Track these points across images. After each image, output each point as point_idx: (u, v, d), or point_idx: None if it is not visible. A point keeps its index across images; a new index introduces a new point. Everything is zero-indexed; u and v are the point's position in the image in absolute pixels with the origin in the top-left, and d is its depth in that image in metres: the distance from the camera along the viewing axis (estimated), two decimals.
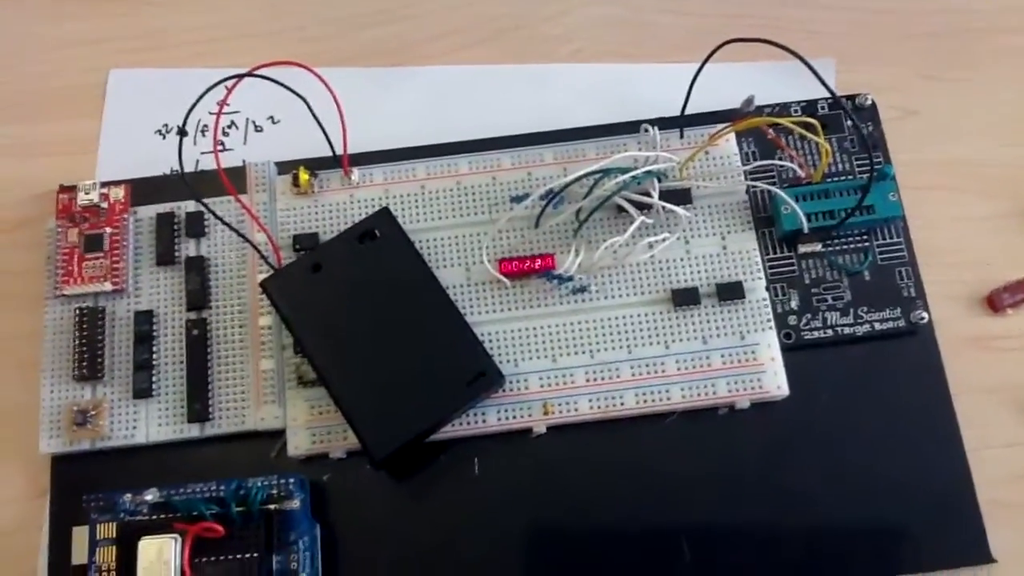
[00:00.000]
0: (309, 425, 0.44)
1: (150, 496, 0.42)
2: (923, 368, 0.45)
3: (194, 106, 0.43)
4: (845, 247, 0.47)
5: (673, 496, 0.44)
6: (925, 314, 0.45)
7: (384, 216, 0.44)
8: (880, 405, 0.45)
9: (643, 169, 0.44)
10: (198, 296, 0.46)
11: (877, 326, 0.45)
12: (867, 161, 0.48)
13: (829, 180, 0.47)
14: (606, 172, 0.44)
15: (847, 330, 0.45)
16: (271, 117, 0.52)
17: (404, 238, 0.44)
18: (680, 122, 0.47)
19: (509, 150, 0.48)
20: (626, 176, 0.44)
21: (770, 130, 0.47)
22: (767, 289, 0.46)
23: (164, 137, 0.52)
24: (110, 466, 0.45)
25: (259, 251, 0.45)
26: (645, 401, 0.44)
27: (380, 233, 0.44)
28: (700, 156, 0.47)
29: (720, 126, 0.47)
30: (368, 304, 0.43)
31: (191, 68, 0.53)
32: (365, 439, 0.41)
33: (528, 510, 0.44)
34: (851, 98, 0.49)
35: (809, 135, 0.44)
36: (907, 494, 0.44)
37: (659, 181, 0.45)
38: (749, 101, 0.48)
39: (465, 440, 0.44)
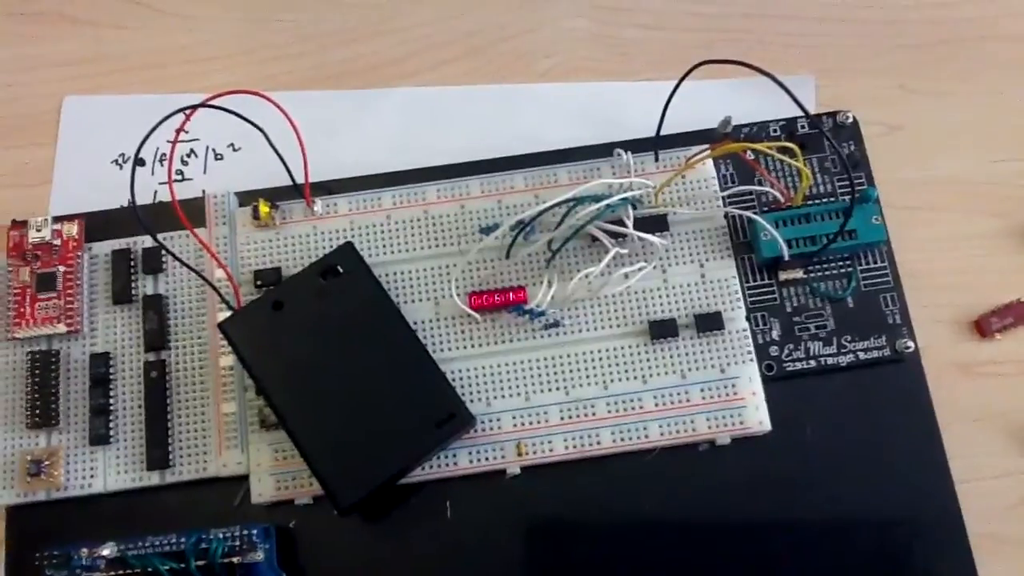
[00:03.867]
0: (273, 470, 0.42)
1: (107, 551, 0.40)
2: (909, 397, 0.44)
3: (147, 137, 0.41)
4: (828, 273, 0.45)
5: (653, 536, 0.42)
6: (911, 343, 0.44)
7: (347, 251, 0.43)
8: (865, 437, 0.43)
9: (617, 197, 0.42)
10: (156, 336, 0.44)
11: (862, 355, 0.44)
12: (849, 182, 0.46)
13: (810, 203, 0.45)
14: (578, 200, 0.43)
15: (831, 360, 0.44)
16: (231, 144, 0.50)
17: (368, 274, 0.42)
18: (655, 144, 0.46)
19: (478, 176, 0.46)
20: (599, 205, 0.42)
21: (748, 153, 0.45)
22: (747, 319, 0.44)
23: (120, 167, 0.50)
24: (67, 517, 0.43)
25: (218, 291, 0.43)
26: (623, 439, 0.42)
27: (344, 269, 0.42)
28: (676, 180, 0.45)
29: (696, 149, 0.45)
30: (332, 344, 0.41)
31: (149, 94, 0.51)
32: (329, 487, 0.40)
33: (504, 554, 0.42)
34: (832, 115, 0.47)
35: (788, 160, 0.42)
36: (895, 528, 0.42)
37: (634, 208, 0.43)
38: (726, 122, 0.46)
39: (437, 482, 0.42)
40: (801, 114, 0.47)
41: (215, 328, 0.44)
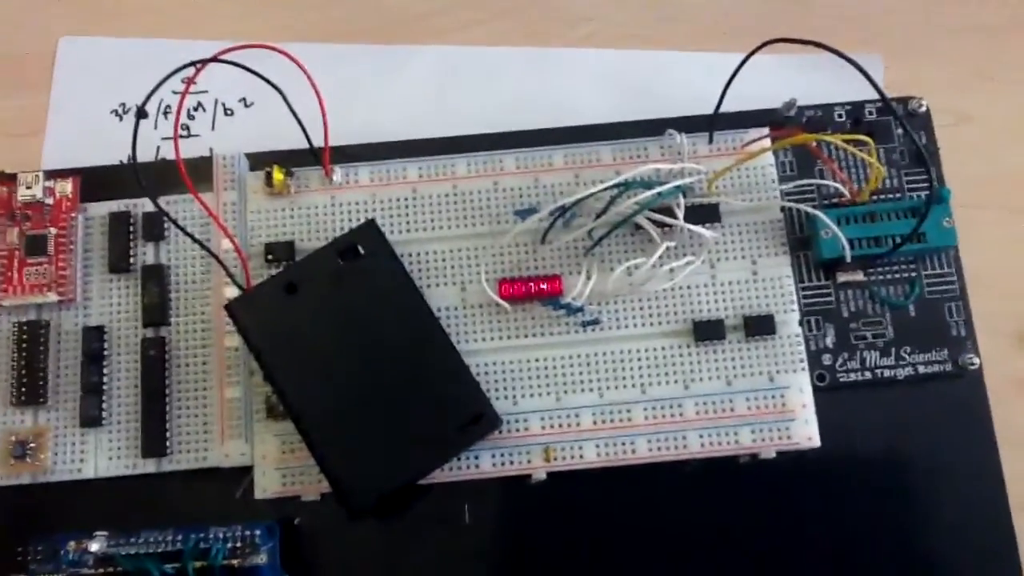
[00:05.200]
0: (280, 464, 0.39)
1: (96, 545, 0.37)
2: (968, 416, 0.41)
3: (154, 91, 0.37)
4: (889, 277, 0.42)
5: (687, 553, 0.40)
6: (976, 358, 0.40)
7: (370, 230, 0.39)
8: (919, 456, 0.40)
9: (670, 185, 0.38)
10: (156, 311, 0.41)
11: (921, 369, 0.41)
12: (919, 176, 0.42)
13: (875, 200, 0.41)
14: (627, 185, 0.39)
15: (887, 372, 0.41)
16: (243, 99, 0.46)
17: (392, 256, 0.39)
18: (710, 124, 0.41)
19: (514, 151, 0.42)
20: (650, 193, 0.38)
21: (817, 148, 0.41)
22: (800, 324, 0.40)
23: (121, 118, 0.46)
24: (53, 503, 0.40)
25: (224, 266, 0.39)
26: (659, 449, 0.39)
27: (365, 249, 0.38)
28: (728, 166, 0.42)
29: (753, 132, 0.42)
30: (349, 332, 0.38)
31: (154, 38, 0.47)
32: (341, 489, 0.36)
33: (523, 563, 0.40)
34: (903, 101, 0.43)
35: (860, 154, 0.38)
36: (946, 554, 0.40)
37: (683, 196, 0.40)
38: (790, 104, 0.42)
39: (455, 484, 0.39)
40: (868, 98, 0.43)
41: (221, 304, 0.40)
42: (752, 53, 0.38)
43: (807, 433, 0.39)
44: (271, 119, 0.43)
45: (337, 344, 0.37)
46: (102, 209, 0.42)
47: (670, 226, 0.40)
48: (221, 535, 0.37)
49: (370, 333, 0.38)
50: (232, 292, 0.39)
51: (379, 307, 0.38)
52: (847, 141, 0.38)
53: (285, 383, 0.37)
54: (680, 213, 0.39)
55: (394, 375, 0.37)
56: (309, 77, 0.39)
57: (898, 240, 0.39)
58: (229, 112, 0.46)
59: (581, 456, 0.39)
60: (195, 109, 0.46)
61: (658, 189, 0.38)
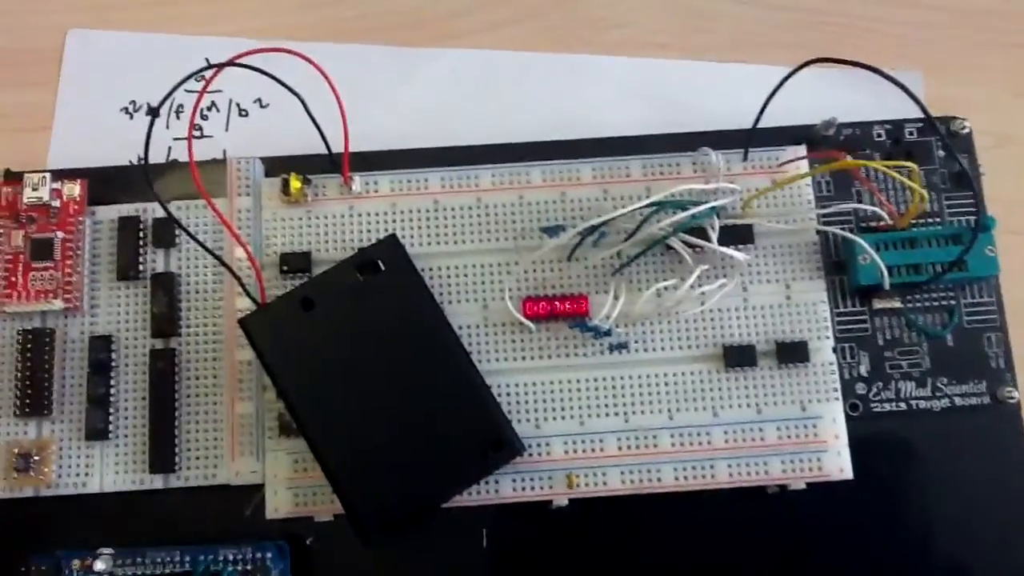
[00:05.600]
0: (292, 484, 0.38)
1: (101, 565, 0.36)
2: (1005, 450, 0.39)
3: (171, 93, 0.36)
4: (927, 304, 0.40)
5: None
6: (1016, 392, 0.39)
7: (391, 245, 0.37)
8: (953, 491, 0.39)
9: (705, 206, 0.37)
10: (166, 321, 0.39)
11: (958, 401, 0.39)
12: (960, 200, 0.41)
13: (914, 224, 0.40)
14: (660, 205, 0.37)
15: (922, 404, 0.39)
16: (259, 100, 0.44)
17: (413, 273, 0.37)
18: (746, 141, 0.40)
19: (540, 163, 0.41)
20: (684, 214, 0.37)
21: (860, 172, 0.39)
22: (834, 351, 0.39)
23: (131, 116, 0.44)
24: (56, 518, 0.38)
25: (237, 277, 0.37)
26: (686, 477, 0.38)
27: (385, 265, 0.37)
28: (763, 185, 0.40)
29: (791, 152, 0.40)
30: (367, 352, 0.36)
31: (166, 33, 0.45)
32: (357, 518, 0.35)
33: None
34: (944, 122, 0.42)
35: (906, 181, 0.37)
36: None
37: (717, 216, 0.38)
38: (829, 124, 0.40)
39: (474, 508, 0.38)
40: (908, 116, 0.42)
41: (233, 315, 0.39)
42: (794, 72, 0.37)
43: (839, 465, 0.38)
44: (287, 121, 0.42)
45: (355, 364, 0.36)
46: (111, 213, 0.40)
47: (702, 247, 0.38)
48: (231, 556, 0.36)
49: (389, 353, 0.36)
50: (245, 303, 0.38)
51: (399, 326, 0.36)
52: (892, 167, 0.36)
53: (300, 404, 0.36)
54: (714, 235, 0.38)
55: (413, 398, 0.36)
56: (331, 83, 0.37)
57: (940, 269, 0.38)
58: (244, 113, 0.44)
59: (605, 483, 0.38)
60: (208, 109, 0.44)
61: (693, 211, 0.37)
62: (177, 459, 0.38)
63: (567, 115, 0.44)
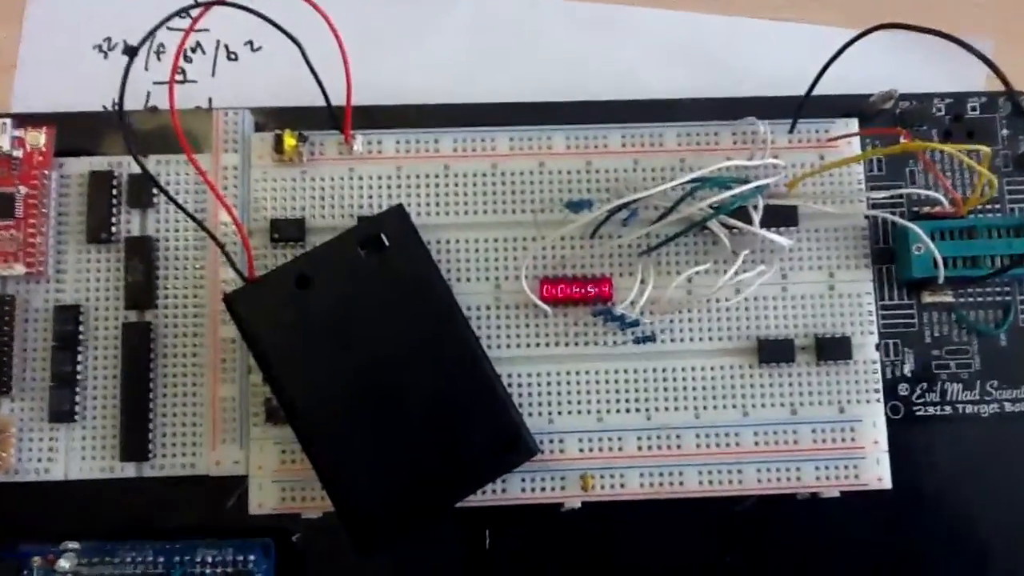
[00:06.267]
0: (278, 476, 0.34)
1: (67, 563, 0.32)
2: None
3: (152, 33, 0.32)
4: (980, 300, 0.37)
5: None
6: None
7: (397, 217, 0.33)
8: (999, 504, 0.36)
9: (750, 186, 0.33)
10: (141, 291, 0.35)
11: (1008, 407, 0.36)
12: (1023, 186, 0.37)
13: (972, 213, 0.36)
14: (701, 182, 0.33)
15: (970, 409, 0.36)
16: (250, 42, 0.40)
17: (421, 249, 0.33)
18: (796, 112, 0.36)
19: (564, 127, 0.36)
20: (727, 194, 0.33)
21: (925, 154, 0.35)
22: (877, 348, 0.35)
23: (106, 56, 0.39)
24: (16, 507, 0.35)
25: (222, 246, 0.33)
26: (711, 483, 0.35)
27: (390, 240, 0.33)
28: (808, 163, 0.36)
29: (842, 125, 0.36)
30: (368, 337, 0.32)
31: None
32: (351, 523, 0.32)
33: None
34: (1012, 97, 0.38)
35: (976, 166, 0.33)
36: None
37: (761, 197, 0.34)
38: (887, 96, 0.36)
39: (476, 507, 0.34)
40: (972, 91, 0.38)
41: (217, 287, 0.35)
42: (860, 36, 0.33)
43: (877, 473, 0.35)
44: (282, 67, 0.38)
45: (354, 350, 0.32)
46: (81, 166, 0.36)
47: (741, 231, 0.34)
48: (209, 558, 0.33)
49: (392, 339, 0.32)
50: (231, 274, 0.34)
51: (404, 309, 0.32)
52: (963, 151, 0.32)
53: (291, 394, 0.32)
54: (757, 217, 0.34)
55: (418, 389, 0.32)
56: (332, 27, 0.33)
57: (1001, 263, 0.34)
58: (233, 56, 0.39)
59: (622, 485, 0.35)
60: (193, 50, 0.39)
61: (737, 190, 0.33)
62: (151, 446, 0.35)
63: (597, 73, 0.40)
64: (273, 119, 0.37)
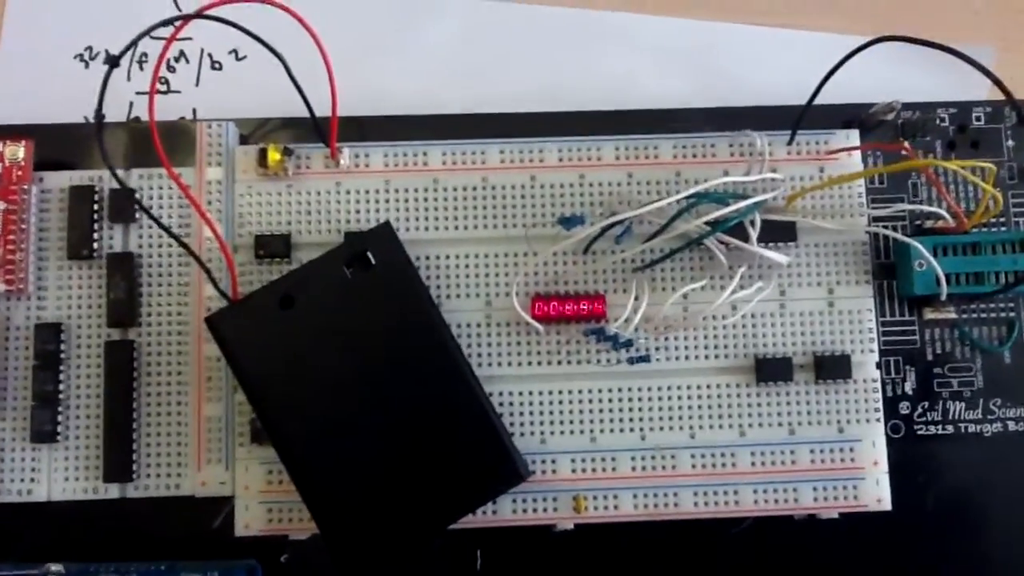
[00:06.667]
0: (265, 497, 0.34)
1: None
2: None
3: (135, 43, 0.31)
4: (984, 316, 0.36)
5: None
6: None
7: (383, 235, 0.32)
8: (1003, 525, 0.35)
9: (748, 202, 0.32)
10: (124, 309, 0.34)
11: (1011, 426, 0.35)
12: None
13: (977, 228, 0.35)
14: (697, 198, 0.32)
15: (972, 428, 0.35)
16: (234, 51, 0.39)
17: (409, 268, 0.32)
18: (795, 123, 0.35)
19: (556, 140, 0.35)
20: (725, 211, 0.32)
21: (929, 169, 0.34)
22: (878, 366, 0.35)
23: (87, 65, 0.38)
24: (0, 527, 0.34)
25: (205, 268, 0.32)
26: (707, 504, 0.34)
27: (376, 258, 0.32)
28: (807, 176, 0.35)
29: (842, 137, 0.35)
30: (353, 359, 0.32)
31: None
32: (334, 547, 0.31)
33: None
34: (1016, 107, 0.37)
35: (981, 184, 0.32)
36: None
37: (758, 213, 0.33)
38: (889, 108, 0.35)
39: (467, 529, 0.34)
40: (977, 100, 0.37)
41: (201, 304, 0.34)
42: (861, 48, 0.32)
43: (877, 495, 0.34)
44: (268, 76, 0.36)
45: (338, 372, 0.31)
46: (61, 180, 0.35)
47: (739, 248, 0.33)
48: None
49: (379, 360, 0.32)
50: (215, 297, 0.33)
51: (391, 330, 0.32)
52: (968, 167, 0.31)
53: (275, 417, 0.31)
54: (754, 233, 0.33)
55: (404, 412, 0.31)
56: (315, 37, 0.32)
57: (1006, 279, 0.33)
58: (217, 65, 0.38)
59: (616, 507, 0.34)
60: (176, 60, 0.38)
61: (734, 206, 0.32)
62: (135, 466, 0.34)
63: (589, 82, 0.39)
64: (257, 130, 0.36)
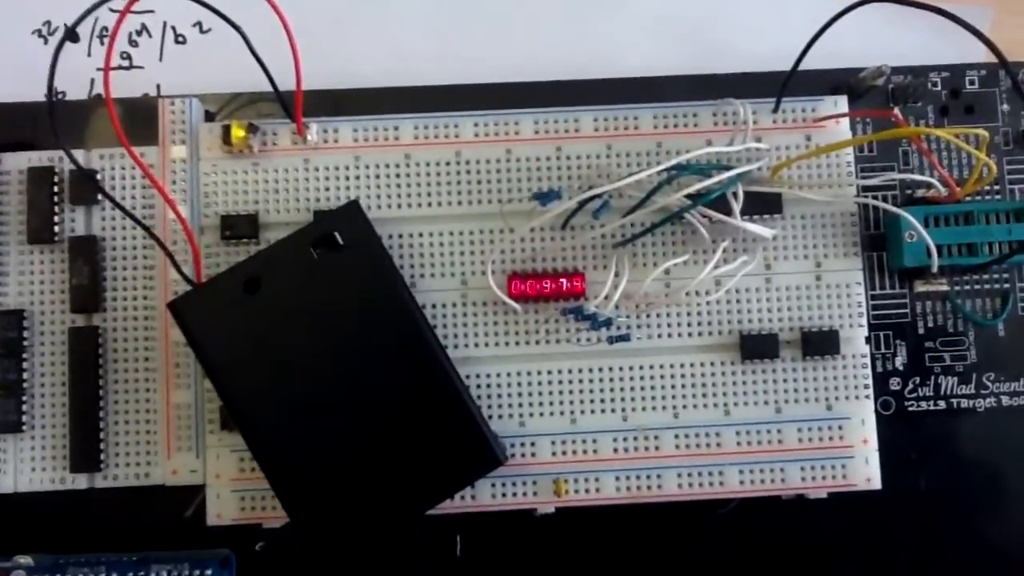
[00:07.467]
0: (237, 485, 0.33)
1: None
2: None
3: (91, 11, 0.30)
4: (977, 288, 0.35)
5: None
6: None
7: (352, 214, 0.31)
8: (996, 502, 0.34)
9: (730, 173, 0.31)
10: (88, 294, 0.33)
11: (1005, 401, 0.34)
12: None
13: (970, 197, 0.34)
14: (678, 170, 0.31)
15: (965, 403, 0.34)
16: (198, 24, 0.37)
17: (378, 248, 0.31)
18: (780, 90, 0.34)
19: (532, 111, 0.34)
20: (708, 182, 0.31)
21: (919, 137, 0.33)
22: (867, 341, 0.33)
23: (46, 41, 0.37)
24: None
25: (168, 252, 0.31)
26: (691, 485, 0.33)
27: (345, 239, 0.31)
28: (795, 146, 0.34)
29: (830, 106, 0.34)
30: (322, 342, 0.30)
31: None
32: (304, 536, 0.30)
33: None
34: (1015, 68, 0.35)
35: (974, 152, 0.30)
36: None
37: (741, 184, 0.32)
38: (878, 72, 0.34)
39: (446, 514, 0.33)
40: (972, 63, 0.36)
41: (168, 288, 0.33)
42: (845, 11, 0.30)
43: (866, 474, 0.33)
44: (234, 49, 0.35)
45: (306, 357, 0.30)
46: (19, 161, 0.34)
47: (722, 222, 0.32)
48: (165, 573, 0.31)
49: (348, 344, 0.31)
50: (179, 281, 0.32)
51: (360, 312, 0.31)
52: (958, 134, 0.30)
53: (240, 404, 0.30)
54: (737, 206, 0.32)
55: (376, 397, 0.31)
56: (277, 9, 0.31)
57: (999, 250, 0.32)
58: (181, 39, 0.37)
59: (598, 490, 0.33)
60: (138, 33, 0.37)
61: (716, 178, 0.31)
62: (103, 456, 0.33)
63: (566, 51, 0.37)
64: (223, 105, 0.35)
